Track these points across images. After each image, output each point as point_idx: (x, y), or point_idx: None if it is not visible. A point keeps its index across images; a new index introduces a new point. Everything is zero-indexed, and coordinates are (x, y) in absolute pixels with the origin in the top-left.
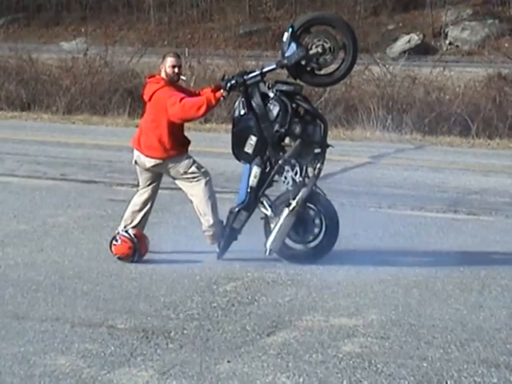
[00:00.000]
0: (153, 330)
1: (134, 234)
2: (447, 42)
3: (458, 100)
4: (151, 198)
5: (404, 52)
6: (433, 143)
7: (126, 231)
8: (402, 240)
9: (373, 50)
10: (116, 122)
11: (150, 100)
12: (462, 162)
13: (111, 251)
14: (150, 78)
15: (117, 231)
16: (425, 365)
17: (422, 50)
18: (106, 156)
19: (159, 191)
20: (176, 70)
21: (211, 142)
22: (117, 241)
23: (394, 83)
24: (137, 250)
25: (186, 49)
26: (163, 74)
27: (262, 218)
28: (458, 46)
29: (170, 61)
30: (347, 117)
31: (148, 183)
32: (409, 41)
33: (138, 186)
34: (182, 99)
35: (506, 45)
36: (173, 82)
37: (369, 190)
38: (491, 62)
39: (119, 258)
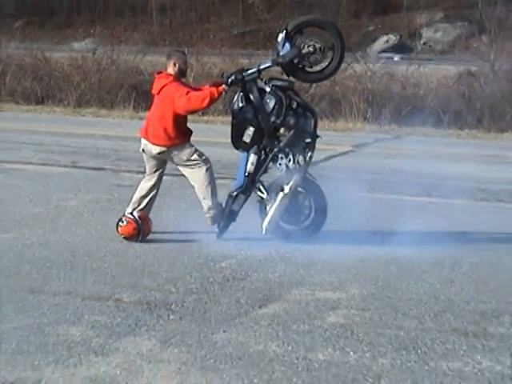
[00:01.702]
0: (155, 303)
1: (139, 216)
2: (422, 42)
3: (432, 94)
4: (157, 184)
5: (383, 51)
6: (409, 133)
7: (131, 213)
8: (382, 221)
9: (355, 49)
10: (122, 115)
11: (158, 93)
12: (435, 150)
13: (118, 232)
14: (158, 73)
15: (123, 213)
16: (401, 334)
17: (398, 49)
18: (112, 145)
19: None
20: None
21: (208, 133)
22: (123, 222)
23: (373, 79)
24: (141, 230)
25: (186, 48)
26: (170, 70)
27: (258, 201)
28: (431, 46)
29: (184, 58)
30: (331, 110)
31: (154, 170)
32: (387, 41)
33: (144, 172)
34: (188, 92)
35: (475, 45)
36: (181, 77)
37: (351, 175)
38: (461, 60)
39: (125, 238)
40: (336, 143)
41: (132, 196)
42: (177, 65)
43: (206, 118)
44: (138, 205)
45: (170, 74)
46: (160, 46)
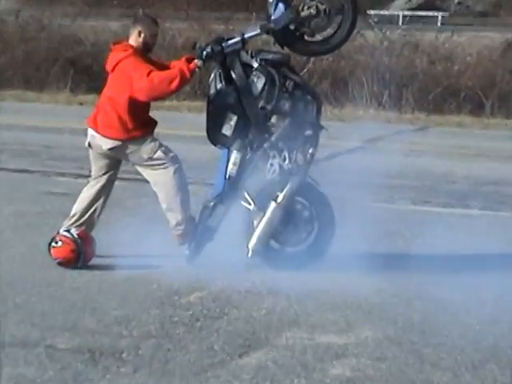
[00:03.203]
0: (101, 351)
1: (78, 235)
2: (456, 0)
3: (469, 71)
4: (105, 191)
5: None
6: (439, 124)
7: (68, 231)
8: (400, 240)
9: (368, 11)
10: (55, 99)
11: (112, 70)
12: (475, 146)
13: (50, 255)
14: (115, 44)
15: (57, 231)
16: None
17: (425, 10)
18: (43, 140)
19: None
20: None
21: (171, 123)
22: (57, 243)
23: (392, 52)
24: (81, 253)
25: (141, 10)
26: (132, 41)
27: (243, 213)
28: (468, 6)
29: (154, 30)
30: (335, 92)
31: (103, 172)
32: None
33: (88, 176)
34: (150, 72)
35: None
36: (145, 52)
37: (361, 180)
38: (509, 24)
39: (60, 264)
40: (341, 137)
41: (71, 208)
42: (142, 35)
43: (167, 103)
44: (78, 219)
45: (131, 46)
46: (106, 7)
